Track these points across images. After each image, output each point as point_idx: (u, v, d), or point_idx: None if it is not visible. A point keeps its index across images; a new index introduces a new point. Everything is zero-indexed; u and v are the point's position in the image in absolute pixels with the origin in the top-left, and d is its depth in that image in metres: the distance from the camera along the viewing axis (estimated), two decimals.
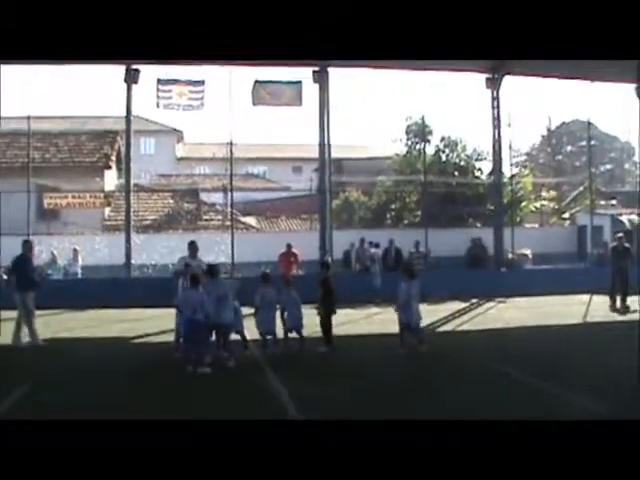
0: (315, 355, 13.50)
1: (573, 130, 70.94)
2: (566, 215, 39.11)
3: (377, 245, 26.92)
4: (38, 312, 20.43)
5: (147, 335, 16.58)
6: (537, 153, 69.71)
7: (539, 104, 77.63)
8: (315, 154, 27.58)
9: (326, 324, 14.00)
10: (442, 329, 17.72)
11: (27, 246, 16.28)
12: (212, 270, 13.21)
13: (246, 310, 13.97)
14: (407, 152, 37.37)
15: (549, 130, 68.45)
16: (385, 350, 13.94)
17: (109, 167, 34.49)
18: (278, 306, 13.64)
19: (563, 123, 69.71)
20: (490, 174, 32.71)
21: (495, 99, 27.91)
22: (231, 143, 27.25)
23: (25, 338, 15.32)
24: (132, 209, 26.58)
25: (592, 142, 65.10)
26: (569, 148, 70.98)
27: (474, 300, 23.48)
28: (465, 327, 17.79)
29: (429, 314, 20.04)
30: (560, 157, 68.53)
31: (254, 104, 25.67)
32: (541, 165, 62.23)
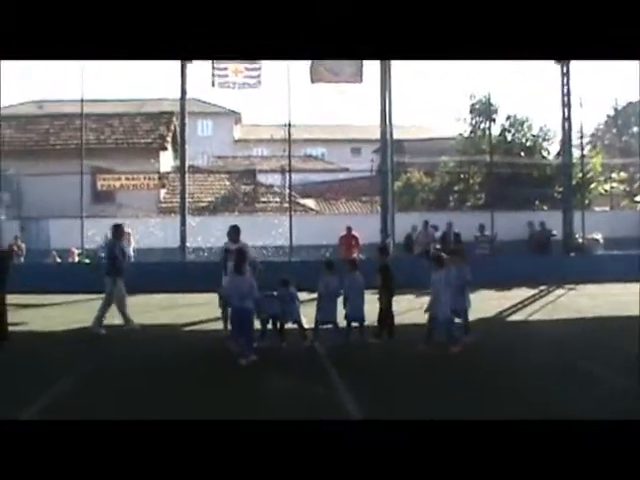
0: (375, 346, 12.63)
1: None
2: (638, 198, 37.55)
3: (436, 228, 25.97)
4: (89, 296, 20.29)
5: (198, 322, 15.78)
6: (602, 134, 67.49)
7: (604, 83, 75.19)
8: (374, 135, 26.87)
9: (386, 313, 13.06)
10: (512, 318, 16.59)
11: (117, 230, 15.67)
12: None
13: (305, 296, 13.21)
14: (471, 132, 36.32)
15: (616, 110, 66.26)
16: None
17: (165, 148, 33.93)
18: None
19: (630, 103, 67.69)
20: (558, 154, 31.52)
21: (565, 75, 26.61)
22: (289, 124, 26.42)
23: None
24: (187, 191, 26.05)
25: None
26: (635, 129, 68.98)
27: (543, 287, 22.31)
28: (536, 316, 16.57)
29: (497, 301, 19.15)
30: (626, 138, 66.31)
31: (312, 81, 24.81)
32: (607, 146, 60.13)
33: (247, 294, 11.61)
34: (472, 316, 15.91)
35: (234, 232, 14.26)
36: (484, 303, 18.82)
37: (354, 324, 12.82)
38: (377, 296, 13.10)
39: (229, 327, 12.47)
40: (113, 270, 14.93)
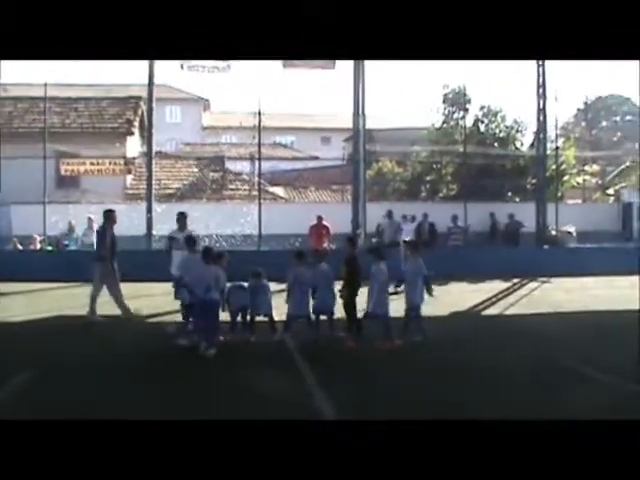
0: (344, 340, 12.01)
1: (609, 104, 69.35)
2: (610, 191, 37.41)
3: (413, 219, 25.54)
4: (50, 285, 19.69)
5: (158, 314, 15.18)
6: (572, 127, 67.68)
7: (573, 77, 75.34)
8: (345, 124, 26.27)
9: (349, 307, 12.31)
10: (488, 312, 16.17)
11: (108, 215, 15.13)
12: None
13: (274, 286, 12.72)
14: (444, 122, 35.92)
15: (586, 104, 66.55)
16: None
17: (131, 133, 32.99)
18: None
19: (599, 97, 68.10)
20: (531, 146, 31.28)
21: (540, 66, 26.28)
22: (259, 111, 25.96)
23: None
24: (154, 177, 25.39)
25: (630, 117, 63.58)
26: (604, 123, 69.39)
27: (516, 280, 21.98)
28: (512, 310, 16.15)
29: (472, 294, 18.77)
30: (596, 131, 66.61)
31: (284, 66, 24.22)
32: (577, 139, 60.25)
33: (213, 285, 11.14)
34: (446, 310, 15.63)
35: (182, 220, 13.88)
36: (457, 296, 18.48)
37: (322, 317, 12.28)
38: (339, 292, 12.34)
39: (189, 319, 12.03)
40: (103, 256, 14.45)
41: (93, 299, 14.24)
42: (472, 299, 17.65)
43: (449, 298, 17.99)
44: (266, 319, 12.17)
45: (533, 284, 21.51)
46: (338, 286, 12.27)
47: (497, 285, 20.76)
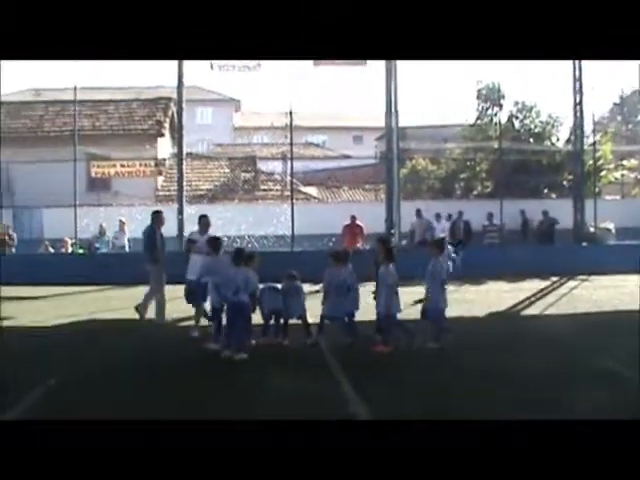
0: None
1: None
2: None
3: (449, 217, 25.21)
4: (81, 288, 19.54)
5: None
6: (608, 122, 66.59)
7: (608, 70, 74.23)
8: (377, 123, 25.88)
9: None
10: (527, 312, 15.68)
11: (156, 217, 14.70)
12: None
13: (307, 287, 12.36)
14: (477, 118, 35.37)
15: (621, 98, 65.36)
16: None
17: (162, 135, 32.92)
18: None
19: (636, 91, 66.88)
20: (567, 141, 30.72)
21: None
22: (290, 111, 25.68)
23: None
24: (185, 178, 25.21)
25: None
26: None
27: (554, 278, 21.48)
28: (552, 310, 15.66)
29: (510, 294, 18.31)
30: (632, 126, 65.42)
31: (315, 64, 23.90)
32: (613, 134, 59.29)
33: (242, 287, 10.79)
34: (482, 310, 15.24)
35: (204, 223, 13.42)
36: (495, 296, 18.05)
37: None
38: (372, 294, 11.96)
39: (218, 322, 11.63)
40: (157, 258, 14.09)
41: (150, 300, 14.12)
42: (510, 299, 17.17)
43: (486, 298, 17.61)
44: (300, 322, 11.81)
45: (572, 283, 20.99)
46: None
47: (535, 284, 20.27)
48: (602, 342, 11.67)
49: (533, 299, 17.53)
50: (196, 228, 13.76)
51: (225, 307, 11.17)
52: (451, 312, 14.85)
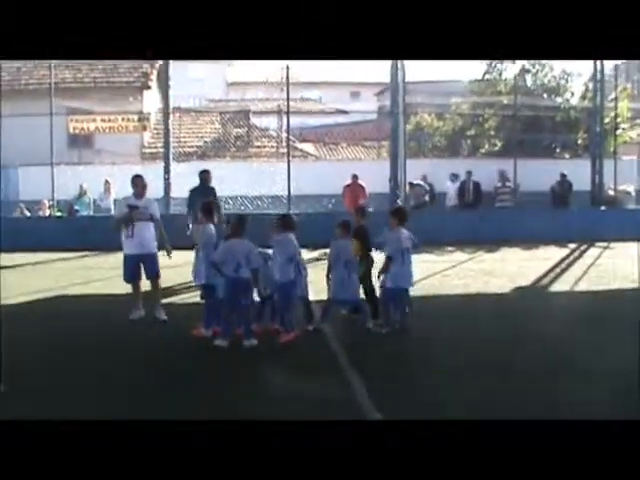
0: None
1: None
2: None
3: (455, 176, 23.54)
4: (57, 256, 17.84)
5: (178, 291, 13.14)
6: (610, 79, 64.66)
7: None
8: (375, 78, 24.31)
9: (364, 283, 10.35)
10: (556, 287, 13.89)
11: (205, 177, 14.62)
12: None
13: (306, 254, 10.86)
14: (486, 72, 33.33)
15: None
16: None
17: (148, 87, 30.85)
18: None
19: None
20: (583, 97, 28.97)
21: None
22: (287, 65, 23.99)
23: None
24: (173, 134, 23.38)
25: None
26: None
27: (573, 245, 19.80)
28: (583, 286, 13.85)
29: (529, 263, 16.64)
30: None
31: None
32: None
33: (244, 261, 9.11)
34: (505, 284, 13.56)
35: (139, 184, 11.05)
36: (514, 266, 16.33)
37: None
38: None
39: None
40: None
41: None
42: (531, 270, 15.42)
43: (504, 268, 15.86)
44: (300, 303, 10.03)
45: (593, 251, 19.29)
46: None
47: (554, 252, 18.64)
48: None
49: (558, 270, 15.80)
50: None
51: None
52: (470, 286, 13.14)
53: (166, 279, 11.68)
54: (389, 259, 9.83)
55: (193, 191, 14.88)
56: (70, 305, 12.34)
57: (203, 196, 12.96)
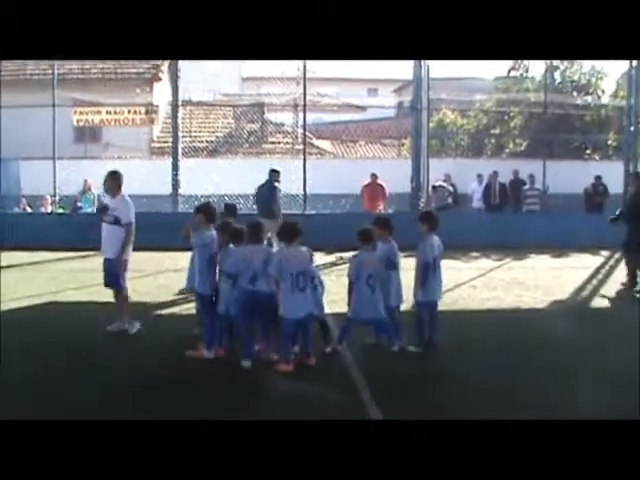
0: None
1: None
2: None
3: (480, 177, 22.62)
4: (58, 255, 17.69)
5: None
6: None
7: None
8: (393, 75, 23.54)
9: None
10: (599, 303, 12.60)
11: (274, 175, 15.55)
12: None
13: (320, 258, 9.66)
14: (512, 68, 32.42)
15: None
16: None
17: (158, 79, 30.00)
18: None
19: None
20: (614, 95, 27.82)
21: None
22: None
23: None
24: (184, 129, 22.74)
25: None
26: None
27: (604, 253, 18.60)
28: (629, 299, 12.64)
29: (561, 272, 15.46)
30: None
31: None
32: None
33: (260, 271, 8.10)
34: (540, 297, 12.31)
35: (113, 180, 9.90)
36: (546, 275, 15.09)
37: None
38: None
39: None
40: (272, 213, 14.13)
41: None
42: (566, 280, 14.25)
43: (536, 278, 14.62)
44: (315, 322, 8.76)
45: None
46: None
47: (587, 260, 17.49)
48: None
49: (595, 282, 14.54)
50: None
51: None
52: (501, 300, 11.99)
53: (168, 284, 10.52)
54: (425, 269, 8.68)
55: (260, 188, 16.16)
56: (55, 313, 11.25)
57: (268, 193, 14.72)
